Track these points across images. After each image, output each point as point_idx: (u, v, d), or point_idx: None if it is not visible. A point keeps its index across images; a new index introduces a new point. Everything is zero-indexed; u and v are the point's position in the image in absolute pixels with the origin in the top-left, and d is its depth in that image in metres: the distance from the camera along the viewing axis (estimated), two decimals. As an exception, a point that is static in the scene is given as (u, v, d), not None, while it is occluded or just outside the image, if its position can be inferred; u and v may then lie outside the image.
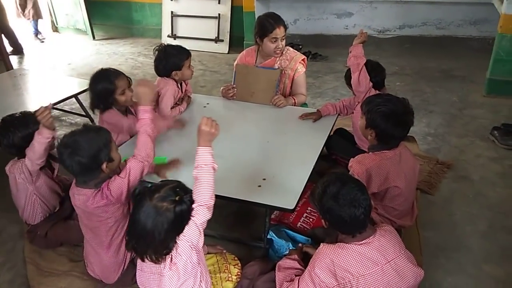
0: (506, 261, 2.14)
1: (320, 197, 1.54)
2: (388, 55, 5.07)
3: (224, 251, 2.04)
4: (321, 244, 1.59)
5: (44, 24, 6.63)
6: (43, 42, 6.33)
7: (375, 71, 2.48)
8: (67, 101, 3.48)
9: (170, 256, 1.49)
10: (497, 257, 2.16)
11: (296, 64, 2.80)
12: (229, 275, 1.90)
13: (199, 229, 1.52)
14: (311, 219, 2.38)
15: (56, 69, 5.23)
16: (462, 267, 2.11)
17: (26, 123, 2.12)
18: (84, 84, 3.61)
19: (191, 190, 1.54)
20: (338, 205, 1.49)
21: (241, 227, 2.40)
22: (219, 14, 5.48)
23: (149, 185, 1.52)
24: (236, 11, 5.36)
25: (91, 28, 6.34)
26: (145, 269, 1.57)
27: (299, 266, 1.74)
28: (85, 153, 1.68)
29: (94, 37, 6.39)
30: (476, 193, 2.65)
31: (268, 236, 2.12)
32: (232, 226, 2.39)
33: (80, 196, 1.79)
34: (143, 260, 1.52)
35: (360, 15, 5.28)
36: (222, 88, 2.93)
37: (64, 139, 1.74)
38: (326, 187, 1.53)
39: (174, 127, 2.52)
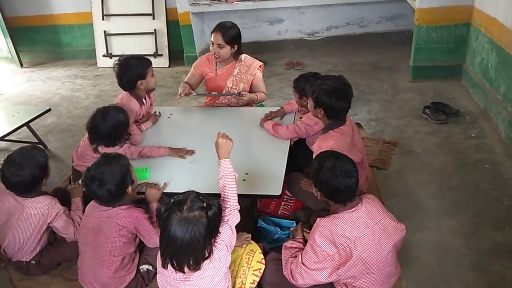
0: (458, 213, 2.52)
1: (318, 171, 1.74)
2: (320, 55, 5.49)
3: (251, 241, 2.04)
4: (317, 218, 1.78)
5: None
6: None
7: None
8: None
9: (209, 260, 1.54)
10: (450, 212, 2.54)
11: (254, 70, 3.02)
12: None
13: (233, 231, 1.66)
14: (289, 206, 2.59)
15: (-13, 100, 4.93)
16: (424, 224, 2.45)
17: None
18: (33, 111, 3.52)
19: (208, 197, 1.58)
20: (334, 177, 1.70)
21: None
22: (155, 30, 5.53)
23: (170, 200, 1.53)
24: (172, 25, 5.44)
25: (18, 55, 6.01)
26: (167, 274, 1.58)
27: (303, 246, 1.89)
28: (113, 182, 1.88)
29: (22, 65, 6.06)
30: (422, 163, 3.04)
31: (258, 225, 2.29)
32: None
33: (109, 211, 1.95)
34: (183, 272, 1.52)
35: (290, 20, 5.64)
36: (180, 87, 2.98)
37: (89, 173, 1.89)
38: (323, 162, 1.74)
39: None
